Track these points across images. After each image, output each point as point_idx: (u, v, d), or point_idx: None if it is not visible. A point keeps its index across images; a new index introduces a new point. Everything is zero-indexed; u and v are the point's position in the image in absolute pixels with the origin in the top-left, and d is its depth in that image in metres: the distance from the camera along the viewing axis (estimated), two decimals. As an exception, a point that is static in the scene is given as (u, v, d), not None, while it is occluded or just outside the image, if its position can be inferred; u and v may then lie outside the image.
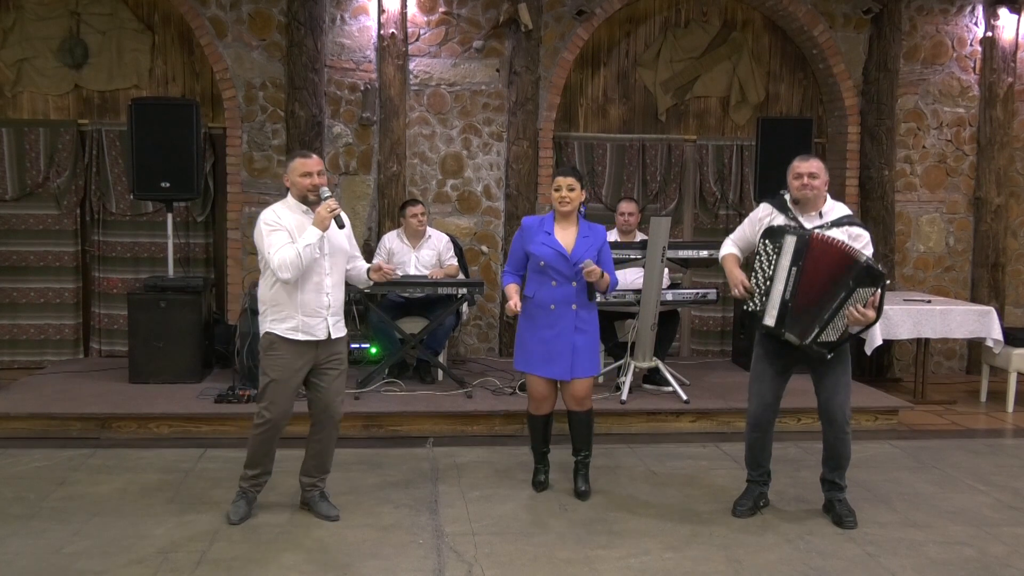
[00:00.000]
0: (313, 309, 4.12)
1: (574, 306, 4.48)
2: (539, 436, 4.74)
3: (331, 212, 4.03)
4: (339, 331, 4.24)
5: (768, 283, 4.19)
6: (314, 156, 4.21)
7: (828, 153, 8.12)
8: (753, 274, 4.28)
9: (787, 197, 4.34)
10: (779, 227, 4.23)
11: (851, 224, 4.23)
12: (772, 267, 4.19)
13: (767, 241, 4.23)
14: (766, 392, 4.35)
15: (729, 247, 4.53)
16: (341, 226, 4.12)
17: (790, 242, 4.13)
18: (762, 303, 4.21)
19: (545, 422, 4.70)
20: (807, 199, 4.23)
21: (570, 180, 4.49)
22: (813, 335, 4.08)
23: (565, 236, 4.51)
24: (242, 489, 4.32)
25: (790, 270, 4.12)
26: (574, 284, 4.48)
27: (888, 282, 4.14)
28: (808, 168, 4.22)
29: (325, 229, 4.04)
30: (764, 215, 4.39)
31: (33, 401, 5.89)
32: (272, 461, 4.34)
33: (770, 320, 4.18)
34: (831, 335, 4.09)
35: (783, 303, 4.14)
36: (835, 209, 4.31)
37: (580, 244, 4.49)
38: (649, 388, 6.47)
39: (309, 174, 4.11)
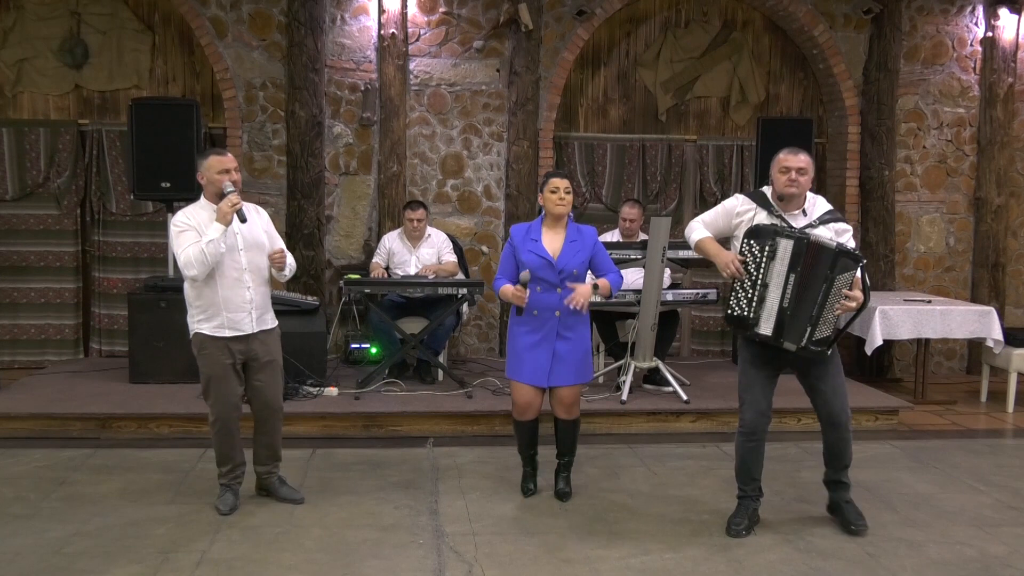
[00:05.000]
0: (236, 305, 4.23)
1: (557, 313, 4.40)
2: (525, 440, 4.66)
3: (232, 207, 4.10)
4: (264, 324, 4.34)
5: (761, 289, 4.00)
6: (229, 153, 4.31)
7: (828, 153, 8.13)
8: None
9: (768, 192, 4.14)
10: (768, 228, 4.00)
11: (835, 220, 4.10)
12: (762, 272, 3.99)
13: (752, 242, 4.01)
14: (760, 399, 4.14)
15: (703, 231, 4.26)
16: (243, 220, 4.15)
17: (786, 246, 3.94)
18: (754, 311, 4.02)
19: (531, 427, 4.61)
20: (792, 196, 4.02)
21: (567, 182, 4.45)
22: (807, 336, 3.96)
23: (552, 242, 4.45)
24: (224, 485, 4.39)
25: (787, 276, 3.95)
26: (559, 291, 4.39)
27: (864, 262, 4.00)
28: (798, 163, 3.99)
29: (227, 224, 4.11)
30: (744, 210, 4.15)
31: (33, 401, 5.89)
32: (241, 452, 4.42)
33: (767, 329, 4.00)
34: (824, 331, 3.97)
35: (781, 311, 3.97)
36: (817, 204, 4.12)
37: (567, 250, 4.43)
38: (649, 388, 6.47)
39: (227, 170, 4.19)
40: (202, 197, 4.27)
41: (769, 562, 3.88)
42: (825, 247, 3.94)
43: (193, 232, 4.14)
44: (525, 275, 4.33)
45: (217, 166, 4.18)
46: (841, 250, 3.91)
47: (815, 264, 3.94)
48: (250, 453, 4.48)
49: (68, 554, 3.82)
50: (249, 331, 4.26)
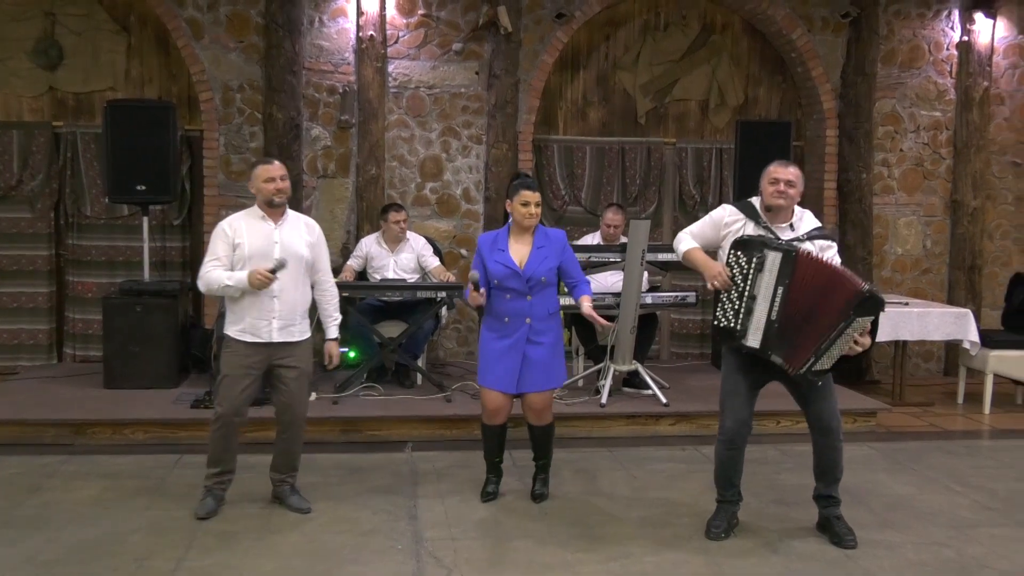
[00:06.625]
0: (260, 312, 4.24)
1: (528, 320, 4.42)
2: (492, 446, 4.64)
3: (263, 286, 4.17)
4: (289, 335, 4.31)
5: (749, 301, 3.95)
6: (276, 162, 4.38)
7: (806, 156, 8.16)
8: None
9: (756, 204, 4.12)
10: (756, 239, 3.96)
11: (821, 237, 4.05)
12: (750, 283, 3.95)
13: (739, 253, 3.97)
14: (741, 408, 4.10)
15: (691, 242, 4.22)
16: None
17: (774, 258, 3.88)
18: (741, 322, 3.98)
19: (499, 433, 4.59)
20: (779, 207, 4.00)
21: (538, 195, 4.44)
22: (807, 364, 3.88)
23: (519, 251, 4.45)
24: (207, 487, 4.37)
25: (775, 289, 3.89)
26: (528, 298, 4.41)
27: (884, 309, 3.93)
28: (786, 175, 3.99)
29: (252, 288, 4.18)
30: (731, 220, 4.12)
31: (6, 407, 5.81)
32: (234, 459, 4.40)
33: (754, 342, 3.95)
34: (826, 364, 3.89)
35: (768, 323, 3.91)
36: (805, 219, 4.10)
37: (534, 257, 4.42)
38: (629, 391, 6.47)
39: (272, 179, 4.27)
40: (255, 205, 4.36)
41: (748, 564, 3.88)
42: (847, 282, 3.80)
43: (224, 244, 4.26)
44: (474, 275, 4.41)
45: (263, 175, 4.27)
46: (870, 293, 3.77)
47: (817, 284, 3.84)
48: (244, 459, 4.46)
49: (42, 562, 3.77)
50: (267, 340, 4.26)
